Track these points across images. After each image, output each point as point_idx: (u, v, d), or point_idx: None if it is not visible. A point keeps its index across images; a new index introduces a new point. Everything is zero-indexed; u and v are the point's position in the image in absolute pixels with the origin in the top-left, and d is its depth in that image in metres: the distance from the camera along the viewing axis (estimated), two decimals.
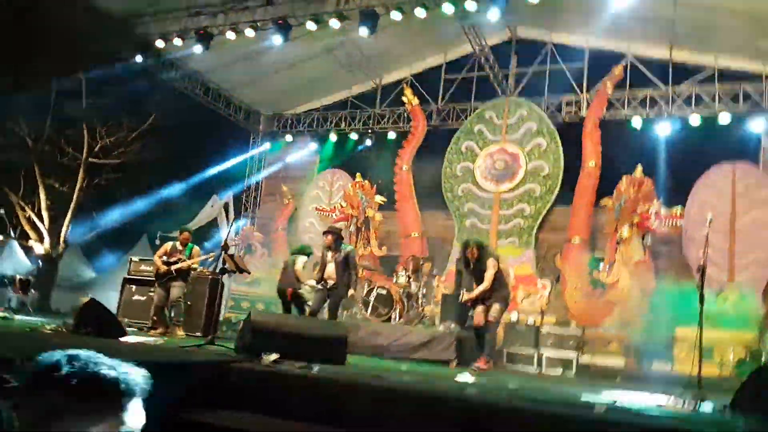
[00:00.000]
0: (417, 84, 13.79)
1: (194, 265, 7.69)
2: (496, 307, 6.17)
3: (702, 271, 4.23)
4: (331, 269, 7.06)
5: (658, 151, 10.99)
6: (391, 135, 13.74)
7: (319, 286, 7.19)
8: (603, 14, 10.16)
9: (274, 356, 3.87)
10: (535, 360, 9.18)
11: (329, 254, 7.12)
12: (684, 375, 8.26)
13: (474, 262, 6.28)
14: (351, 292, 7.24)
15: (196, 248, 7.75)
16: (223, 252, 6.27)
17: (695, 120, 10.98)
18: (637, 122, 11.40)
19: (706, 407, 3.68)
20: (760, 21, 9.46)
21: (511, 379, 5.91)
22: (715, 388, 5.23)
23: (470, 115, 13.08)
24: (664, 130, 11.02)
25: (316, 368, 3.75)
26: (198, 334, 7.90)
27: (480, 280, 6.21)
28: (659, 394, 4.43)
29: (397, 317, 8.87)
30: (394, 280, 9.29)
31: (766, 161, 10.64)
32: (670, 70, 11.47)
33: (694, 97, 11.32)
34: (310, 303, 7.65)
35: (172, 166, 13.48)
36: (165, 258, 7.59)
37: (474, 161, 12.67)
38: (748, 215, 10.33)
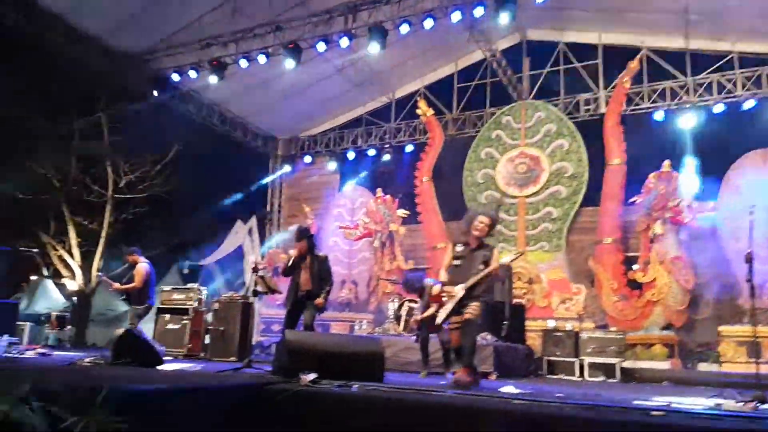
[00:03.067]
0: (430, 95, 13.78)
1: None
2: (475, 306, 4.67)
3: (750, 260, 3.99)
4: (305, 277, 5.96)
5: (684, 144, 10.68)
6: (409, 148, 13.71)
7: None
8: (613, 8, 10.03)
9: (312, 376, 3.80)
10: (577, 367, 8.95)
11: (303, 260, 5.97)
12: (733, 373, 7.96)
13: (477, 245, 4.68)
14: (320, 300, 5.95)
15: (139, 266, 7.41)
16: (254, 273, 6.24)
17: (719, 108, 10.73)
18: (659, 115, 11.17)
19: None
20: None
21: (555, 388, 5.70)
22: None
23: (486, 121, 13.00)
24: (688, 121, 10.76)
25: (355, 386, 3.68)
26: (232, 359, 7.92)
27: (472, 272, 4.63)
28: (713, 396, 4.18)
29: None
30: None
31: None
32: (688, 59, 11.27)
33: (715, 85, 11.08)
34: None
35: (195, 195, 13.64)
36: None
37: (495, 167, 12.56)
38: None
